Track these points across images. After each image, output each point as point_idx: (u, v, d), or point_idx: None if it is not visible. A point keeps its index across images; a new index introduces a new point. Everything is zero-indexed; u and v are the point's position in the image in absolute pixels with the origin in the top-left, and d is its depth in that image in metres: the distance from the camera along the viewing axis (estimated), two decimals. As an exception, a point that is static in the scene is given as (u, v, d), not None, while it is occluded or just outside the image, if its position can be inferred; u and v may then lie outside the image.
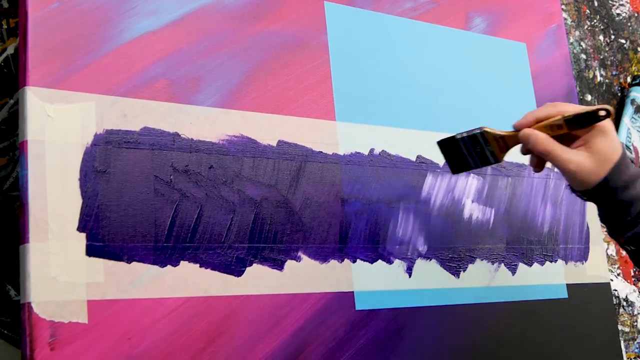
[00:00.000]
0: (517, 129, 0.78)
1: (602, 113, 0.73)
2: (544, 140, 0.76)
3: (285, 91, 0.86)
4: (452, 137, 0.83)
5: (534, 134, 0.76)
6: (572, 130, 0.75)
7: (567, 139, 0.76)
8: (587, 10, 1.29)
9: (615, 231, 0.77)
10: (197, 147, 0.79)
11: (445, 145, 0.84)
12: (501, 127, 1.05)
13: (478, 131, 0.80)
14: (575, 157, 0.74)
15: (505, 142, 0.80)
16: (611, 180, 0.73)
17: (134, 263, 0.72)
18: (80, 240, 0.70)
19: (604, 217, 0.78)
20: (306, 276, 0.83)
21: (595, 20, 1.30)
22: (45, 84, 0.71)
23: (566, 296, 1.04)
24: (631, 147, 1.25)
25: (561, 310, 1.03)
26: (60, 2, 0.74)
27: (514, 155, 1.05)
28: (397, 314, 0.87)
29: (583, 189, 0.76)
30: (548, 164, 0.78)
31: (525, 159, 1.06)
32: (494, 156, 0.81)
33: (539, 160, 0.79)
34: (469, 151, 0.82)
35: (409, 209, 0.92)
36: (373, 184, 0.90)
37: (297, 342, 0.80)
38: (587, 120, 0.74)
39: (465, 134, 0.81)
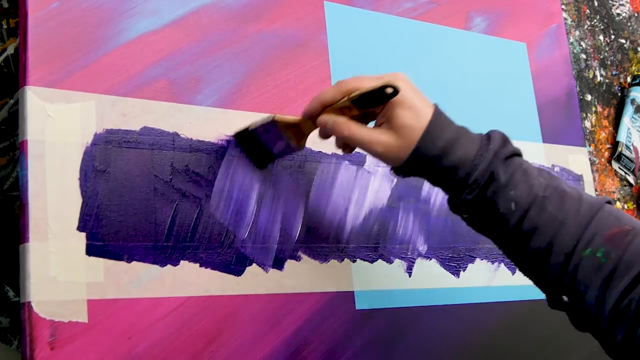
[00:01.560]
0: (307, 115, 0.74)
1: (389, 91, 0.67)
2: (343, 124, 0.71)
3: (285, 91, 0.87)
4: (246, 129, 0.79)
5: (331, 119, 0.72)
6: (364, 109, 0.71)
7: (370, 115, 0.73)
8: (587, 10, 1.30)
9: (450, 201, 0.72)
10: (196, 147, 0.79)
11: (243, 138, 0.80)
12: (502, 128, 1.06)
13: (269, 120, 0.76)
14: (379, 136, 0.69)
15: (300, 129, 0.76)
16: (423, 149, 0.68)
17: (133, 262, 0.73)
18: (80, 239, 0.70)
19: (435, 185, 0.73)
20: (306, 276, 0.83)
21: (595, 20, 1.31)
22: (45, 84, 0.71)
23: (566, 296, 1.05)
24: (631, 147, 1.25)
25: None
26: (60, 2, 0.74)
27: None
28: (397, 313, 0.88)
29: (397, 165, 0.71)
30: None
31: (526, 158, 1.07)
32: (292, 144, 0.78)
33: (344, 143, 0.75)
34: (268, 142, 0.79)
35: (409, 209, 0.93)
36: (372, 184, 0.91)
37: (297, 342, 0.81)
38: (378, 99, 0.69)
39: (259, 124, 0.77)
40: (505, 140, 0.70)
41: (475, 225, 0.72)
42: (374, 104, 0.69)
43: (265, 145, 0.80)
